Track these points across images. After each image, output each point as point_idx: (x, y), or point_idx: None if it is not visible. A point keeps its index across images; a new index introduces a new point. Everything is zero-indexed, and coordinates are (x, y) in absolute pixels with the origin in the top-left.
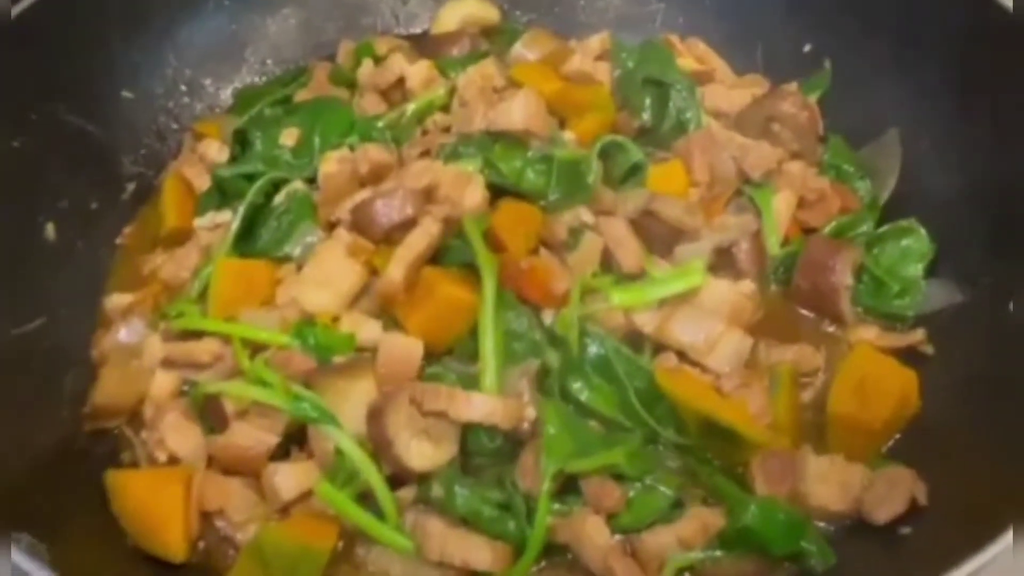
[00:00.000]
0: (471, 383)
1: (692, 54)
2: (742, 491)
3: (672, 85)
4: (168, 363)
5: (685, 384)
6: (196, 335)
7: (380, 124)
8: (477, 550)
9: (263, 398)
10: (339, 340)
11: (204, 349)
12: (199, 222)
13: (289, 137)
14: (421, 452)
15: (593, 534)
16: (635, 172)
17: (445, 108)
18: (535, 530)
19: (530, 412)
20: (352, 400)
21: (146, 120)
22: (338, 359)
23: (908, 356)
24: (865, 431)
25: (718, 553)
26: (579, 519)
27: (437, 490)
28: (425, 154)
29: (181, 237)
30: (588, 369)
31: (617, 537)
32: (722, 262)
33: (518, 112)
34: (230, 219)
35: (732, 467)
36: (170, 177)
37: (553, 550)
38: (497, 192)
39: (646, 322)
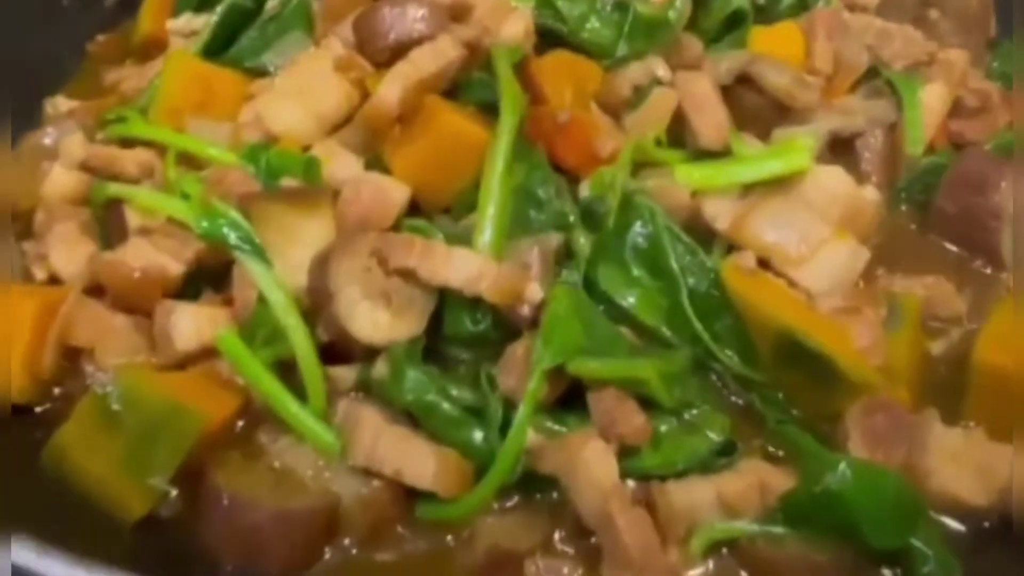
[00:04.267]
0: (461, 242)
1: None
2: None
3: None
4: (86, 168)
5: (764, 289)
6: (130, 144)
7: None
8: (417, 457)
9: (172, 211)
10: (295, 160)
11: (132, 158)
12: (172, 24)
13: None
14: (373, 318)
15: (592, 464)
16: (735, 26)
17: None
18: (507, 444)
19: (534, 290)
20: (299, 241)
21: None
22: (291, 185)
23: None
24: (1021, 397)
25: (778, 529)
26: (575, 441)
27: (380, 368)
28: None
29: (154, 50)
30: (628, 255)
31: (630, 483)
32: (840, 159)
33: None
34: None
35: (815, 419)
36: None
37: (533, 484)
38: (551, 42)
39: (720, 212)
